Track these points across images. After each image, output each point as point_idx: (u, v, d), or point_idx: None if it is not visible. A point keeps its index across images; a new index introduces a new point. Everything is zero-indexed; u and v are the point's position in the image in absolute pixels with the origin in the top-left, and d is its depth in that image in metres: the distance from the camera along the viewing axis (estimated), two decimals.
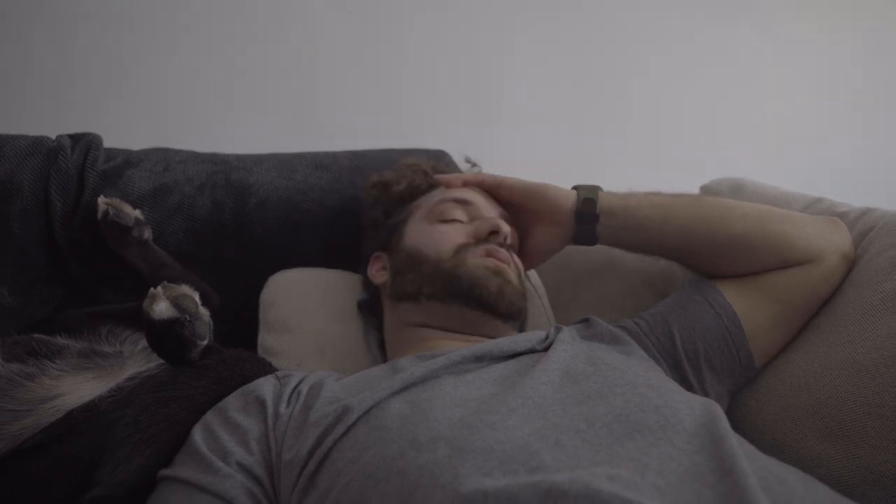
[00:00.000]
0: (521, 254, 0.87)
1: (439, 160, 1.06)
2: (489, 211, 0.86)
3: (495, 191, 0.87)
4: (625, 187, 1.37)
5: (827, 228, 0.79)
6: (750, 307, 0.76)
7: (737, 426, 0.72)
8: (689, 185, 1.05)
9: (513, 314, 0.77)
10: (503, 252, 0.79)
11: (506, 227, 0.81)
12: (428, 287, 0.78)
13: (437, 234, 0.82)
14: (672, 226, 0.79)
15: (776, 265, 0.77)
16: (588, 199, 0.81)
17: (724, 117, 1.65)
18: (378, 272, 0.88)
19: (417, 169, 0.96)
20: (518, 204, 0.85)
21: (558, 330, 0.74)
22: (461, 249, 0.79)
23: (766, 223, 0.78)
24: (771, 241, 0.77)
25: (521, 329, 0.83)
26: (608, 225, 0.81)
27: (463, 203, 0.85)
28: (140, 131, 1.15)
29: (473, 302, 0.76)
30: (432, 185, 0.93)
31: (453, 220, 0.84)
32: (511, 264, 0.80)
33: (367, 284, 0.91)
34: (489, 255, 0.78)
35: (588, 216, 0.81)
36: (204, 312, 0.69)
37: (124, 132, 1.07)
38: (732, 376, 0.75)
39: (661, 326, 0.76)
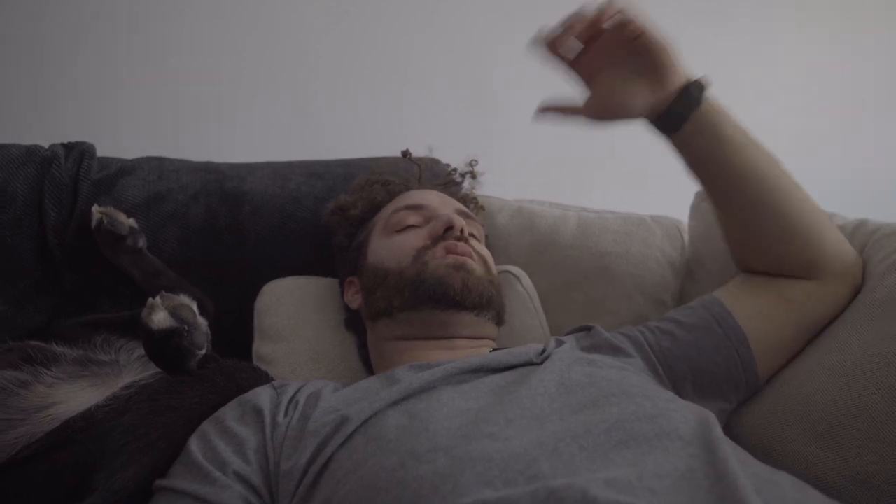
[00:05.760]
0: (593, 98, 0.75)
1: (406, 170, 1.06)
2: (444, 208, 0.86)
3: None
4: (615, 190, 1.40)
5: (852, 255, 0.78)
6: (760, 329, 0.75)
7: (727, 431, 0.73)
8: (681, 187, 1.06)
9: (482, 305, 0.78)
10: (462, 245, 0.80)
11: (459, 221, 0.82)
12: (397, 299, 0.79)
13: (395, 244, 0.83)
14: (745, 157, 0.75)
15: (798, 266, 0.76)
16: (704, 83, 0.76)
17: None
18: (353, 297, 0.89)
19: (374, 183, 0.98)
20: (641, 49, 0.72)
21: (559, 343, 0.75)
22: (420, 253, 0.80)
23: (816, 213, 0.76)
24: (811, 233, 0.75)
25: (499, 319, 0.84)
26: (703, 115, 0.74)
27: (416, 208, 0.87)
28: (136, 138, 1.15)
29: (441, 302, 0.76)
30: (391, 195, 0.94)
31: (408, 227, 0.85)
32: (473, 255, 0.81)
33: (347, 307, 0.92)
34: (449, 251, 0.79)
35: (698, 89, 0.75)
36: (202, 322, 0.70)
37: (119, 139, 1.07)
38: (738, 394, 0.75)
39: (668, 341, 0.76)
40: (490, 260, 0.86)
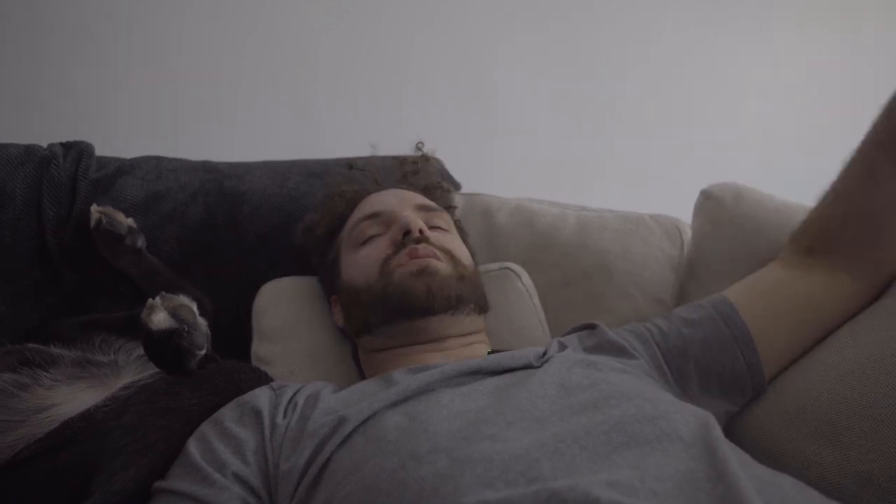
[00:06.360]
0: None
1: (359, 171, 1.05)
2: (401, 209, 0.85)
3: None
4: (615, 190, 1.40)
5: None
6: (768, 328, 0.74)
7: (728, 430, 0.73)
8: (680, 187, 1.07)
9: (452, 305, 0.77)
10: (422, 247, 0.78)
11: (416, 223, 0.80)
12: (373, 316, 0.78)
13: (361, 258, 0.82)
14: None
15: (870, 262, 0.74)
16: None
17: (713, 124, 1.66)
18: (338, 316, 0.89)
19: (333, 196, 0.96)
20: None
21: (562, 347, 0.74)
22: (385, 264, 0.79)
23: None
24: None
25: (481, 308, 0.83)
26: None
27: (374, 216, 0.85)
28: (135, 138, 1.15)
29: (410, 313, 0.75)
30: (352, 204, 0.92)
31: (371, 238, 0.84)
32: (437, 254, 0.79)
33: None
34: (411, 256, 0.77)
35: None
36: (202, 322, 0.69)
37: (119, 140, 1.07)
38: (743, 397, 0.75)
39: (675, 339, 0.75)
40: (458, 251, 0.84)
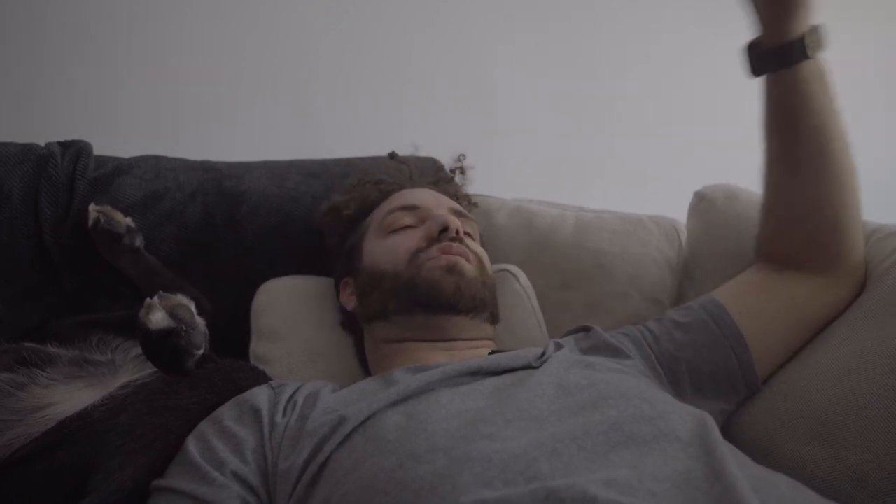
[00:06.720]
0: None
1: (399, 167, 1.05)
2: (438, 208, 0.86)
3: None
4: (614, 190, 1.40)
5: (862, 258, 0.77)
6: (758, 328, 0.75)
7: (724, 431, 0.73)
8: (680, 188, 1.06)
9: (475, 307, 0.78)
10: (456, 245, 0.79)
11: (455, 222, 0.81)
12: (392, 303, 0.78)
13: (391, 245, 0.82)
14: (839, 123, 0.74)
15: (821, 257, 0.75)
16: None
17: (713, 124, 1.66)
18: (348, 298, 0.89)
19: (366, 182, 0.97)
20: None
21: (558, 346, 0.74)
22: (415, 255, 0.79)
23: (859, 209, 0.75)
24: (850, 227, 0.75)
25: (493, 318, 0.84)
26: (823, 61, 0.76)
27: (410, 209, 0.86)
28: (136, 138, 1.15)
29: (434, 307, 0.76)
30: (384, 194, 0.93)
31: (404, 228, 0.84)
32: (468, 255, 0.80)
33: (343, 309, 0.91)
34: (444, 252, 0.78)
35: (824, 34, 0.76)
36: (200, 322, 0.70)
37: (119, 140, 1.07)
38: (737, 395, 0.75)
39: (666, 341, 0.76)
40: (485, 259, 0.86)
